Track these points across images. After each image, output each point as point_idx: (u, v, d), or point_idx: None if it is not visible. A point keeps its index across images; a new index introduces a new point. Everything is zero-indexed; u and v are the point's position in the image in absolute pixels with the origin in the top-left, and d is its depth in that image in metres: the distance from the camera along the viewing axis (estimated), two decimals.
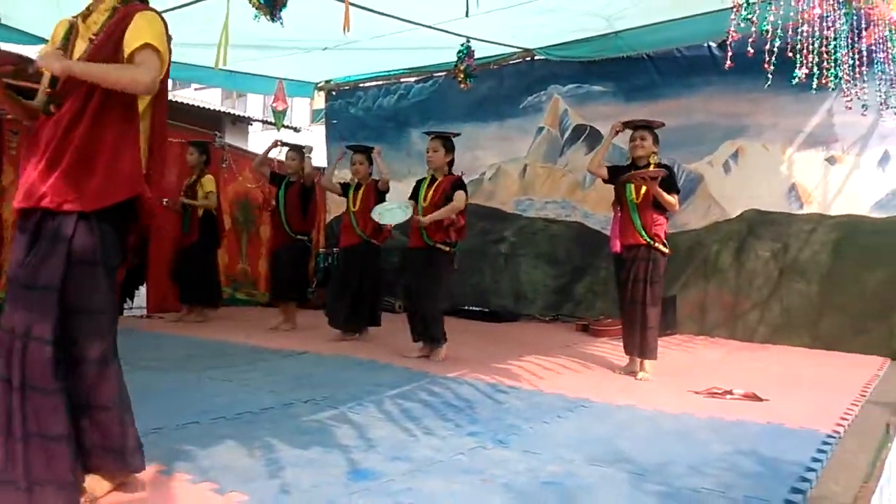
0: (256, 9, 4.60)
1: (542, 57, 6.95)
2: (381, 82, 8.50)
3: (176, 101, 8.91)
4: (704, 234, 6.18)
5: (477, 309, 7.04)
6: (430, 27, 5.93)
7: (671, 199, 4.23)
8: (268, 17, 4.67)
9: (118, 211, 2.01)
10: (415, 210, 4.73)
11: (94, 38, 2.04)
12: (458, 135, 5.02)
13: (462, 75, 6.11)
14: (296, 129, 11.29)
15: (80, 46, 2.08)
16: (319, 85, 8.93)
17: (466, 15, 4.25)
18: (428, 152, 4.79)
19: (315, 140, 9.28)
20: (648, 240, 4.23)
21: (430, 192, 4.71)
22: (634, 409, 3.46)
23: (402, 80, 8.32)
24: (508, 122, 7.36)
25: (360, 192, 5.53)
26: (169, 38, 2.14)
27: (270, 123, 9.93)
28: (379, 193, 5.55)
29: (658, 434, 3.06)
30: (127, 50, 2.01)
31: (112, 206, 1.99)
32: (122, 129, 2.02)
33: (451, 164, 4.81)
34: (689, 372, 4.53)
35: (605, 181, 4.52)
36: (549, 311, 7.07)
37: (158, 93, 2.12)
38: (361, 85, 8.71)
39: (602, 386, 4.02)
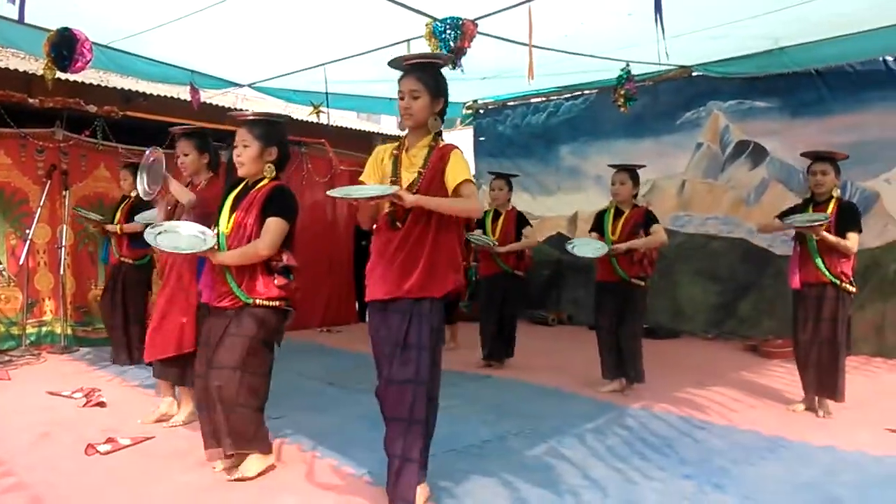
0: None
1: (701, 73, 6.93)
2: (529, 101, 8.77)
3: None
4: (880, 253, 6.04)
5: None
6: (592, 56, 6.11)
7: (847, 243, 4.07)
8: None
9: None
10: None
11: (422, 170, 2.63)
12: (643, 166, 5.08)
13: (622, 99, 6.24)
14: None
15: (407, 176, 2.68)
16: (467, 104, 9.32)
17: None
18: (614, 185, 4.81)
19: None
20: (833, 279, 4.11)
21: (619, 225, 4.74)
22: (835, 451, 3.55)
23: (551, 98, 8.54)
24: (664, 138, 7.43)
25: (500, 220, 5.68)
26: None
27: None
28: (520, 222, 5.66)
29: (868, 480, 3.15)
30: (452, 184, 2.65)
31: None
32: (451, 238, 2.72)
33: (636, 195, 4.89)
34: (875, 403, 4.52)
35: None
36: (711, 329, 7.12)
37: None
38: (510, 103, 9.01)
39: (795, 423, 4.08)
